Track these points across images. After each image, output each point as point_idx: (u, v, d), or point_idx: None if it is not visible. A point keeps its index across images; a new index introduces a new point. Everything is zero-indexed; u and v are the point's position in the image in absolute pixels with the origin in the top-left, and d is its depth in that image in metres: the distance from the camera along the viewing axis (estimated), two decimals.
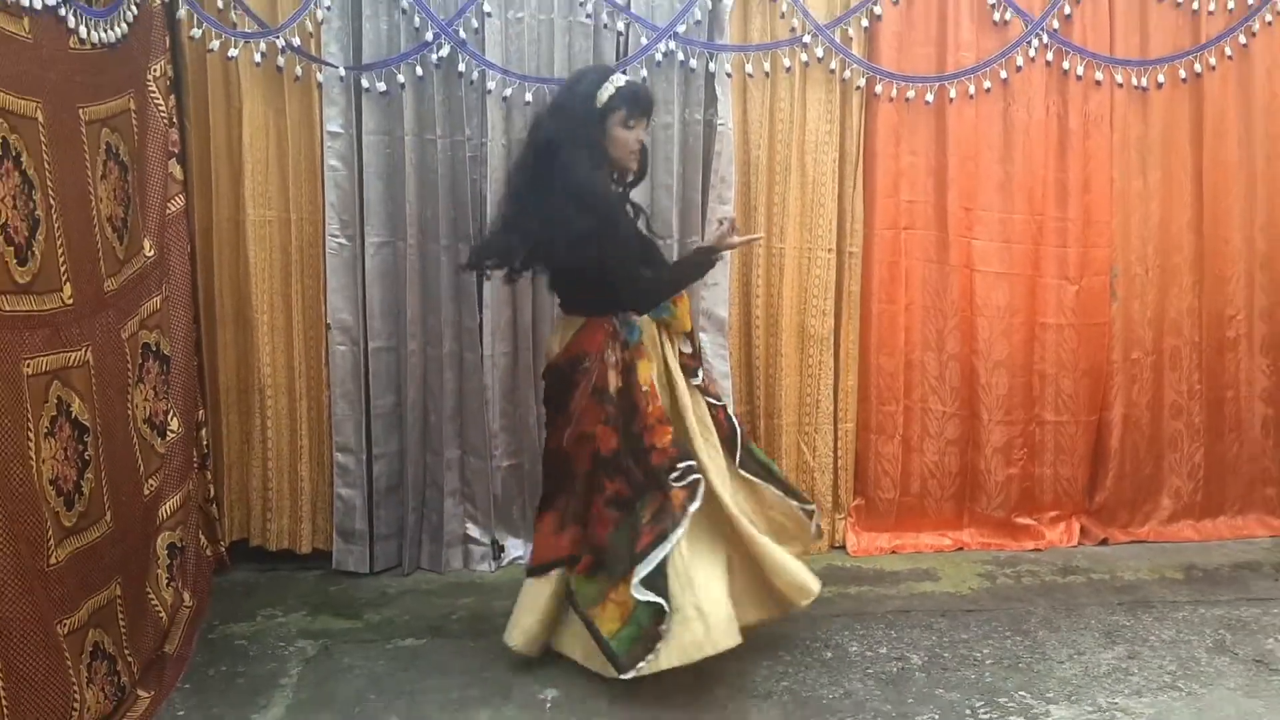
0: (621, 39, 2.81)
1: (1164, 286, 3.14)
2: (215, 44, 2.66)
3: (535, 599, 2.33)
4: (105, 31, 2.21)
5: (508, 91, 2.74)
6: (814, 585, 2.30)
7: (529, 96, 2.74)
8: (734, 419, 2.44)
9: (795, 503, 2.44)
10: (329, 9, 2.68)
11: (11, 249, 1.78)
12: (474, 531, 2.95)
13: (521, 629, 2.33)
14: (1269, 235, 3.16)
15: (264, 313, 2.83)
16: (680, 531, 2.17)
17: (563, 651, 2.34)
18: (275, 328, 2.85)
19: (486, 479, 2.92)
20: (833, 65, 2.90)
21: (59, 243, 1.95)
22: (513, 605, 2.38)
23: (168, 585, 2.42)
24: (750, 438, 2.63)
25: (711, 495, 2.25)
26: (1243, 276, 3.15)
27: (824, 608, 2.67)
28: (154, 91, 2.52)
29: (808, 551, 2.53)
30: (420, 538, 2.93)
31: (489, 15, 2.72)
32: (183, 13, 2.62)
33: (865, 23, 2.91)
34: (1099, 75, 2.99)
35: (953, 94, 2.95)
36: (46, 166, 1.91)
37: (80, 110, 2.10)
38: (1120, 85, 3.01)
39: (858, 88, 2.93)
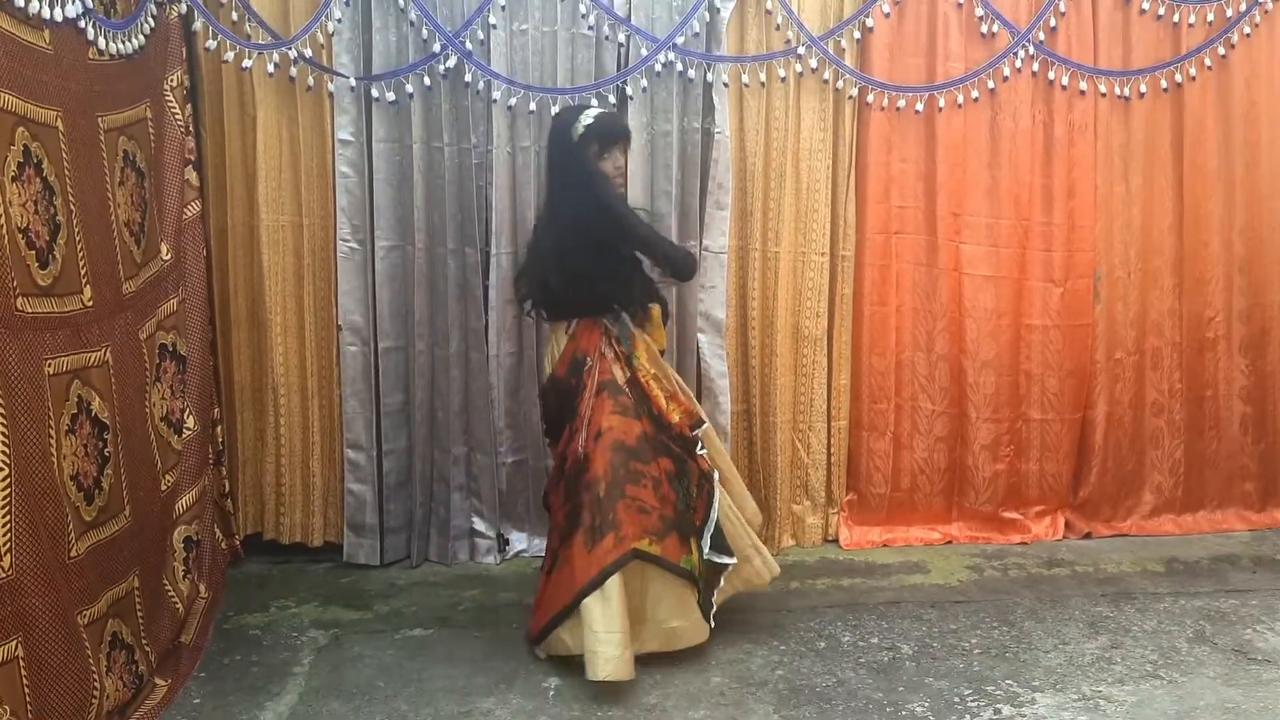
0: (622, 50, 2.86)
1: (1146, 289, 3.20)
2: (230, 55, 2.70)
3: (609, 620, 2.17)
4: (123, 43, 2.25)
5: (513, 101, 2.79)
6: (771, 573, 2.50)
7: (533, 105, 2.80)
8: None
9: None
10: (340, 21, 2.73)
11: (34, 252, 1.81)
12: (480, 525, 2.99)
13: (606, 658, 2.16)
14: (1247, 239, 3.21)
15: (277, 314, 2.87)
16: (719, 492, 2.37)
17: (643, 652, 2.27)
18: (288, 328, 2.90)
19: (492, 474, 2.97)
20: (826, 75, 2.96)
21: (79, 247, 1.98)
22: (517, 597, 2.41)
23: (184, 577, 2.46)
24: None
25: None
26: (1221, 279, 3.21)
27: (818, 599, 2.74)
28: (171, 101, 2.57)
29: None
30: (428, 531, 2.98)
31: (494, 27, 2.77)
32: (199, 25, 2.67)
33: (857, 34, 2.97)
34: (1083, 85, 3.05)
35: (942, 103, 3.01)
36: (67, 173, 1.95)
37: (99, 119, 2.14)
38: (1104, 95, 3.07)
39: (850, 97, 2.99)
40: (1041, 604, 2.70)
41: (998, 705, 2.18)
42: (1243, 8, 3.10)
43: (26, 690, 1.71)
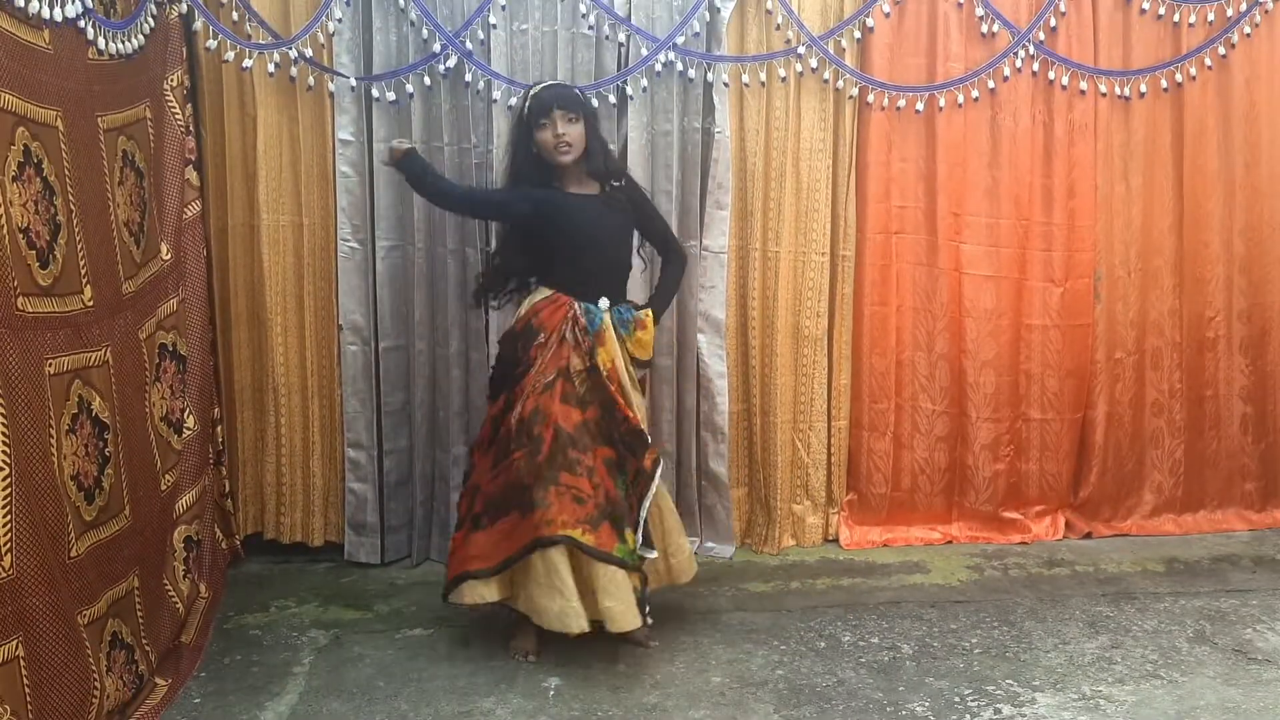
0: (623, 50, 2.86)
1: (1146, 289, 3.20)
2: (230, 55, 2.71)
3: (551, 577, 2.25)
4: (123, 43, 2.25)
5: (513, 101, 2.77)
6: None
7: None
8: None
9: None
10: (340, 21, 2.73)
11: (34, 252, 1.81)
12: None
13: (560, 610, 2.24)
14: (1247, 239, 3.22)
15: (277, 314, 2.88)
16: (654, 488, 2.38)
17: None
18: (288, 328, 2.90)
19: None
20: (826, 75, 2.96)
21: (79, 246, 1.98)
22: None
23: (184, 577, 2.46)
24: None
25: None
26: (1222, 279, 3.21)
27: (818, 599, 2.74)
28: (171, 101, 2.57)
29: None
30: (429, 530, 2.98)
31: (494, 27, 2.77)
32: (199, 25, 2.67)
33: (858, 34, 2.97)
34: (1083, 85, 3.05)
35: (942, 103, 3.01)
36: (67, 173, 1.95)
37: (99, 119, 2.14)
38: (1104, 94, 3.07)
39: (850, 97, 2.99)
40: (1042, 604, 2.71)
41: (998, 705, 2.18)
42: (1243, 8, 3.10)
43: (27, 690, 1.71)
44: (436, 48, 2.76)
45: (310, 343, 2.92)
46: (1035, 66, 3.03)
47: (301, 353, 2.93)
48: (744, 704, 2.18)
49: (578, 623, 2.25)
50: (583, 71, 2.84)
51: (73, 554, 1.88)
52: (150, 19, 2.42)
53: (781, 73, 2.94)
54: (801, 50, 2.93)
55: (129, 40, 2.29)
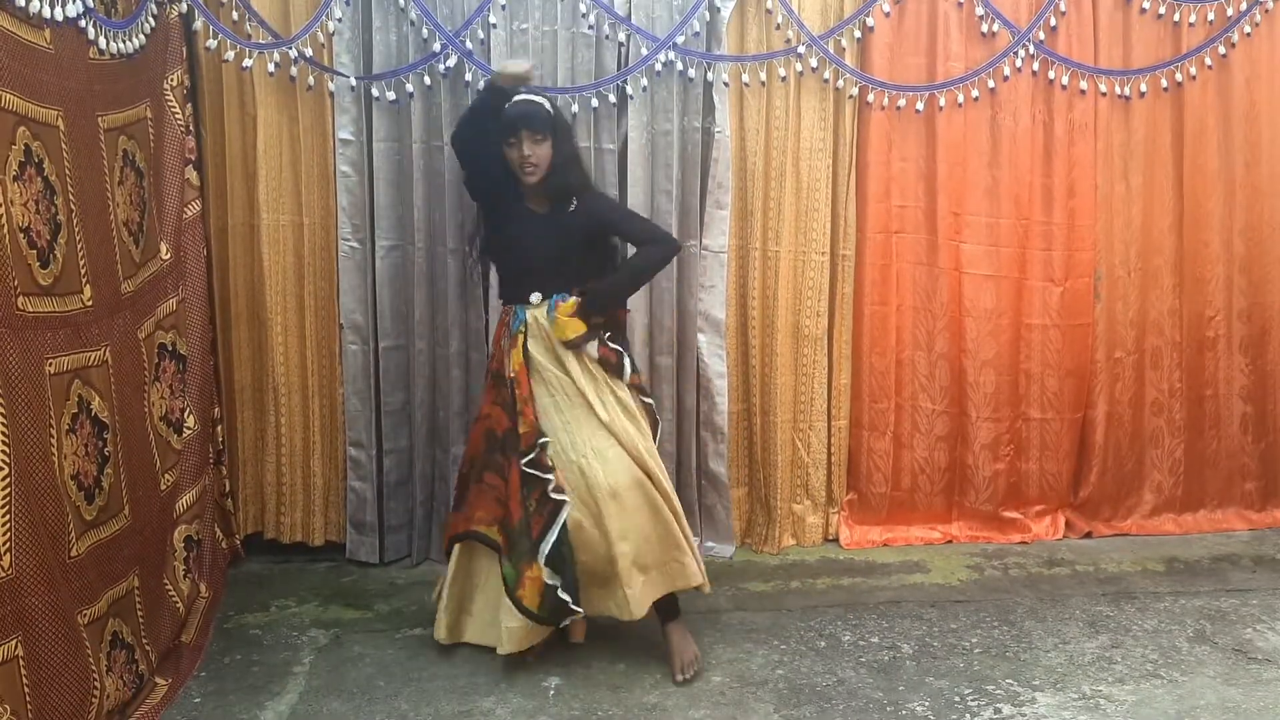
0: (623, 50, 2.86)
1: (1146, 288, 3.20)
2: (230, 54, 2.71)
3: (445, 583, 2.42)
4: (124, 42, 2.25)
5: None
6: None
7: None
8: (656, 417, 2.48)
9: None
10: (340, 21, 2.73)
11: (34, 252, 1.82)
12: None
13: (440, 622, 2.40)
14: (1247, 239, 3.22)
15: (277, 313, 2.88)
16: (565, 512, 2.24)
17: (467, 639, 2.40)
18: (289, 328, 2.90)
19: None
20: (826, 75, 2.96)
21: (79, 246, 1.99)
22: None
23: (184, 577, 2.46)
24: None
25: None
26: (1222, 278, 3.22)
27: (818, 599, 2.74)
28: (171, 100, 2.57)
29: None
30: (429, 530, 2.99)
31: (494, 26, 2.77)
32: (199, 24, 2.67)
33: (858, 34, 2.97)
34: (1083, 84, 3.06)
35: (942, 102, 3.01)
36: (67, 172, 1.95)
37: (99, 118, 2.14)
38: (1104, 94, 3.08)
39: (850, 96, 3.00)
40: (1042, 603, 2.71)
41: (998, 704, 2.18)
42: (1243, 7, 3.10)
43: (26, 690, 1.72)
44: (436, 47, 2.76)
45: (310, 342, 2.92)
46: (1035, 66, 3.04)
47: (302, 352, 2.93)
48: (744, 704, 2.19)
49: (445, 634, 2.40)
50: (582, 71, 2.84)
51: (73, 554, 1.89)
52: (150, 19, 2.42)
53: (781, 72, 2.94)
54: (801, 50, 2.93)
55: (130, 40, 2.30)
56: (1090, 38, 3.06)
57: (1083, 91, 3.07)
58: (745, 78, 2.93)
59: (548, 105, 2.36)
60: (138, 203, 2.35)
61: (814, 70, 2.96)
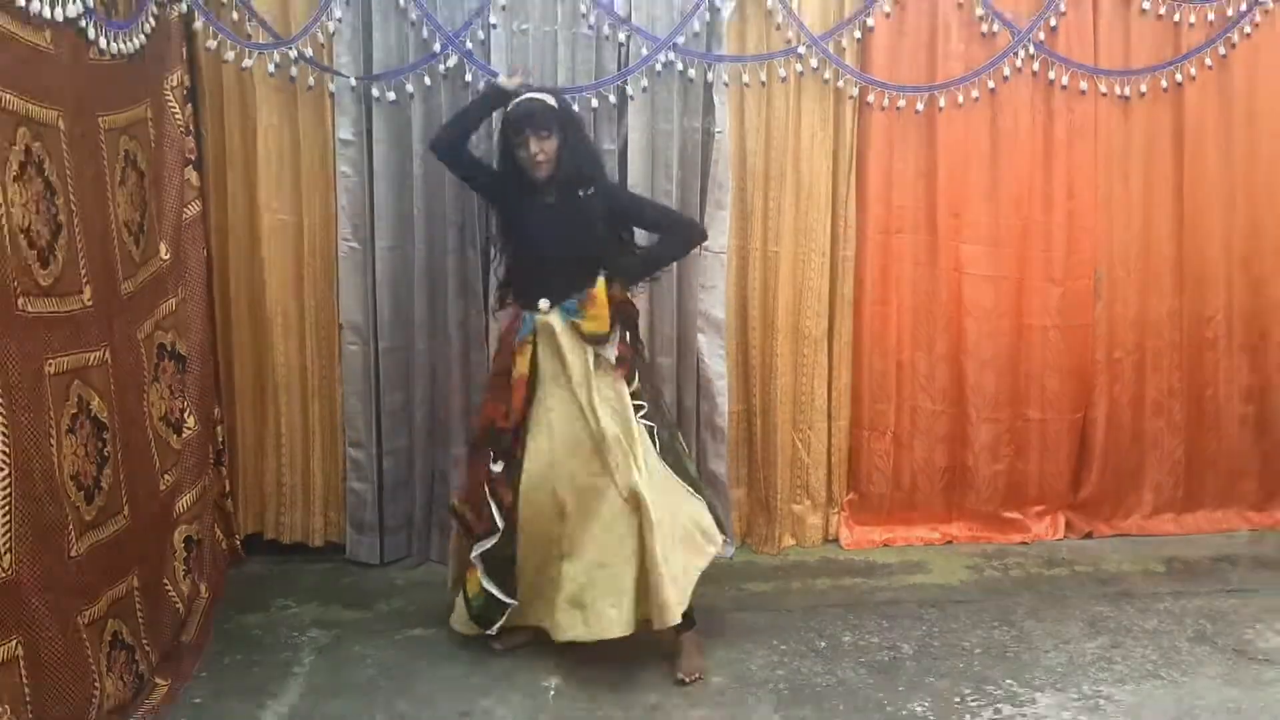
0: (623, 50, 2.86)
1: (1145, 289, 3.20)
2: (230, 55, 2.71)
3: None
4: (124, 43, 2.25)
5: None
6: (674, 613, 2.19)
7: None
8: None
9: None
10: (340, 21, 2.73)
11: (35, 252, 1.82)
12: None
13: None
14: (1247, 239, 3.22)
15: (278, 314, 2.88)
16: (492, 541, 2.30)
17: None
18: (289, 328, 2.90)
19: None
20: (826, 75, 2.96)
21: (79, 246, 1.98)
22: None
23: (184, 577, 2.46)
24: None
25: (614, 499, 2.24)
26: (1221, 279, 3.21)
27: (818, 599, 2.75)
28: (171, 101, 2.56)
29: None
30: (429, 531, 2.99)
31: (495, 27, 2.77)
32: (199, 25, 2.67)
33: (858, 34, 2.97)
34: (1083, 85, 3.05)
35: (942, 103, 3.01)
36: (68, 173, 1.95)
37: (100, 119, 2.14)
38: (1104, 95, 3.07)
39: (850, 97, 3.00)
40: (1042, 603, 2.71)
41: (998, 705, 2.19)
42: (1243, 7, 3.10)
43: (26, 690, 1.72)
44: (436, 48, 2.76)
45: (310, 342, 2.92)
46: (1035, 66, 3.04)
47: (302, 352, 2.93)
48: (744, 704, 2.19)
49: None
50: (583, 71, 2.84)
51: (73, 554, 1.89)
52: (151, 19, 2.42)
53: (782, 72, 2.94)
54: (802, 50, 2.93)
55: (130, 40, 2.29)
56: (1090, 38, 3.06)
57: (1083, 92, 3.07)
58: (745, 78, 2.93)
59: (551, 101, 2.37)
60: (138, 203, 2.35)
61: (814, 70, 2.96)
